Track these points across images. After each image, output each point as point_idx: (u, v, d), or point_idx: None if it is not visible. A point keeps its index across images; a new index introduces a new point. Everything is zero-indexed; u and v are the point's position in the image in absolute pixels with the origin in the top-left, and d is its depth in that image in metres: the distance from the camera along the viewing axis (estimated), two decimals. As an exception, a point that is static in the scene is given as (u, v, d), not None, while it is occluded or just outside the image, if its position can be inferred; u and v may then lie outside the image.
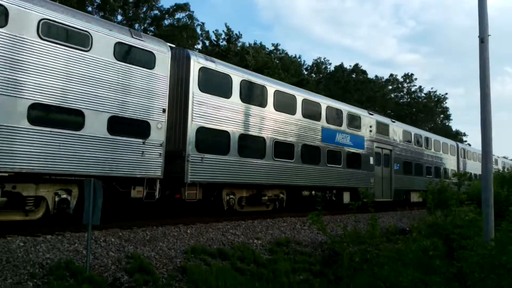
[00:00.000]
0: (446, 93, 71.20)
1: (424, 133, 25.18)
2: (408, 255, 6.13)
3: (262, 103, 13.25)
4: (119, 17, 30.09)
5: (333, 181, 16.03)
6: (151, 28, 31.35)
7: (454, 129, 62.73)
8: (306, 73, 48.16)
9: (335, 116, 16.57)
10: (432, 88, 66.79)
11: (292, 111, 14.42)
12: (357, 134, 17.69)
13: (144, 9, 31.41)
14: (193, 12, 33.51)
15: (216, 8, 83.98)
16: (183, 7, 32.23)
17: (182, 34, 30.32)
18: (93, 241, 7.57)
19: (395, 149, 20.51)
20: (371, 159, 18.39)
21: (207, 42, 37.48)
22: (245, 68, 18.38)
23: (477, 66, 9.26)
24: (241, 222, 11.53)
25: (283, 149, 13.84)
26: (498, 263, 4.93)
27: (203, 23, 36.36)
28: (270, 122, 13.46)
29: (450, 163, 27.16)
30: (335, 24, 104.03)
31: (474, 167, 30.93)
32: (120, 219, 10.03)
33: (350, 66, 50.02)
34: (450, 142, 28.61)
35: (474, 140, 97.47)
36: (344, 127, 16.87)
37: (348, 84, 46.96)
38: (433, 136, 26.16)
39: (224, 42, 37.16)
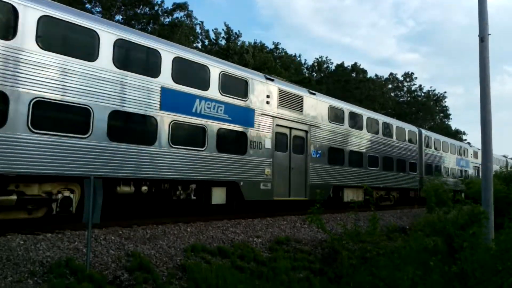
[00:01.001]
0: (445, 92, 71.23)
1: (367, 113, 19.16)
2: (409, 255, 6.14)
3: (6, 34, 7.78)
4: (118, 17, 30.01)
5: (188, 172, 10.69)
6: (149, 28, 31.27)
7: (454, 128, 62.86)
8: (307, 72, 48.10)
9: (193, 74, 11.20)
10: (431, 87, 66.92)
11: (89, 56, 8.99)
12: (241, 104, 12.30)
13: (141, 7, 31.31)
14: (191, 11, 33.49)
15: (215, 7, 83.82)
16: (182, 6, 32.21)
17: (177, 31, 30.16)
18: (93, 239, 7.57)
19: (315, 131, 14.93)
20: (268, 141, 13.00)
21: (206, 41, 37.45)
22: (244, 66, 18.12)
23: (477, 65, 9.27)
24: (241, 220, 11.53)
25: (60, 116, 8.57)
26: (502, 267, 4.91)
27: (201, 22, 36.33)
28: (26, 68, 7.91)
29: (409, 153, 21.84)
30: (335, 23, 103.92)
31: (444, 160, 26.27)
32: (120, 218, 10.03)
33: (349, 66, 50.03)
34: (409, 127, 23.03)
35: (474, 139, 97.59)
36: (213, 91, 11.42)
37: (348, 83, 46.92)
38: (381, 118, 20.41)
39: (224, 41, 37.11)
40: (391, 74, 57.21)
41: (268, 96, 13.18)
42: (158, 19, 31.73)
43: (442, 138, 27.70)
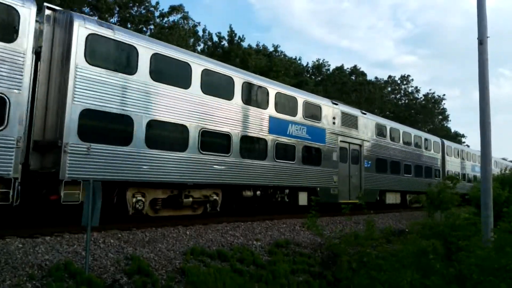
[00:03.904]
0: (444, 95, 71.42)
1: None
2: (407, 258, 6.16)
3: None
4: (113, 19, 29.98)
5: None
6: (145, 29, 31.28)
7: (453, 130, 62.85)
8: (307, 75, 48.13)
9: None
10: (430, 90, 66.99)
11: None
12: None
13: (136, 9, 31.32)
14: (187, 12, 33.51)
15: (211, 9, 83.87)
16: (178, 8, 32.25)
17: (175, 34, 30.10)
18: (92, 243, 7.57)
19: None
20: None
21: (209, 43, 37.44)
22: (245, 69, 18.04)
23: (474, 67, 9.31)
24: (241, 223, 11.53)
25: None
26: (498, 266, 4.93)
27: (198, 23, 36.21)
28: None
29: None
30: (333, 25, 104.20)
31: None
32: (119, 221, 10.02)
33: (348, 68, 50.12)
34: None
35: (472, 141, 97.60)
36: None
37: (345, 85, 46.98)
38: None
39: (226, 43, 37.12)
40: (389, 76, 57.38)
41: None
42: (154, 19, 31.71)
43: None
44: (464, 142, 59.38)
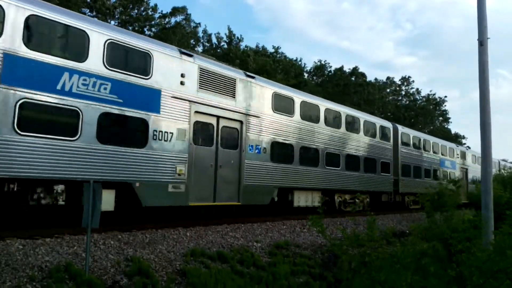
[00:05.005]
0: (446, 96, 71.45)
1: None
2: (406, 259, 6.15)
3: None
4: (113, 21, 30.05)
5: None
6: (147, 31, 31.36)
7: (453, 132, 62.88)
8: (307, 76, 48.18)
9: None
10: (431, 91, 67.07)
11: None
12: None
13: (136, 11, 31.40)
14: (189, 14, 33.66)
15: (210, 11, 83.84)
16: (180, 10, 32.37)
17: (178, 34, 30.17)
18: (92, 244, 7.57)
19: None
20: None
21: (207, 45, 37.61)
22: (246, 70, 18.03)
23: (473, 68, 9.32)
24: (241, 225, 11.53)
25: None
26: (497, 268, 4.93)
27: (199, 24, 36.32)
28: None
29: None
30: (333, 26, 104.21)
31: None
32: (119, 222, 10.02)
33: (349, 69, 50.23)
34: None
35: (472, 142, 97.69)
36: None
37: (347, 87, 47.04)
38: None
39: (225, 45, 37.24)
40: (388, 78, 57.44)
41: None
42: (153, 19, 31.82)
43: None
44: (464, 144, 59.34)
